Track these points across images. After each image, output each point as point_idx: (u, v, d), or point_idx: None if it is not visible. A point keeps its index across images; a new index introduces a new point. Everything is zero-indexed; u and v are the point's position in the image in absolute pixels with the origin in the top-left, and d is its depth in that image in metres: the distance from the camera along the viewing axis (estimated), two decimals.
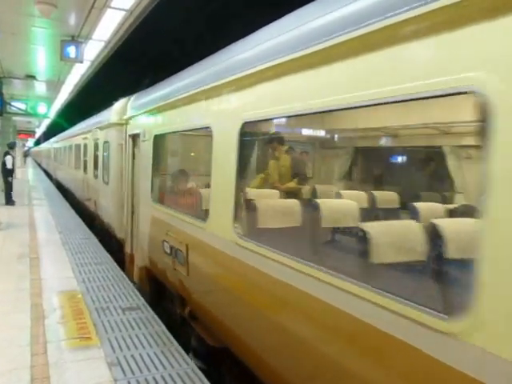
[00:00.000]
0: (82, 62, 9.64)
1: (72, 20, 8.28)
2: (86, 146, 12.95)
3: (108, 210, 9.25)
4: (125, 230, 7.76)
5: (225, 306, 3.88)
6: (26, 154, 52.50)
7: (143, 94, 7.00)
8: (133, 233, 7.35)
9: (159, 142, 5.94)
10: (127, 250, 7.57)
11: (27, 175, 30.32)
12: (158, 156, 6.05)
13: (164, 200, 5.90)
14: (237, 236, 3.45)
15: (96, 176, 10.84)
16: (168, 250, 5.09)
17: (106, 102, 11.66)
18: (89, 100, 21.19)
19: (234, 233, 3.47)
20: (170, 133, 5.72)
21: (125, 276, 6.87)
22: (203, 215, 4.28)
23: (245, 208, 3.84)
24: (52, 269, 7.01)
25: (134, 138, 7.08)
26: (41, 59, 11.81)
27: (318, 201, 4.18)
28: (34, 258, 7.61)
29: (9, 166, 14.16)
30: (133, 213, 7.33)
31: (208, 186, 4.21)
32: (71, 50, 9.06)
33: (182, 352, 4.34)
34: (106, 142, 9.48)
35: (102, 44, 9.67)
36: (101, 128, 10.18)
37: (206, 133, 5.79)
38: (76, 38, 9.16)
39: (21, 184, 21.20)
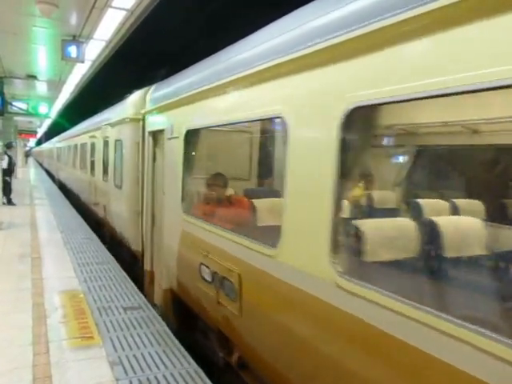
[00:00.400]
0: (83, 61, 9.64)
1: (73, 20, 8.28)
2: (93, 145, 11.71)
3: (121, 218, 8.06)
4: (143, 243, 6.81)
5: (305, 367, 2.78)
6: (27, 154, 52.56)
7: (168, 82, 5.86)
8: (153, 247, 6.33)
9: (194, 138, 4.87)
10: (146, 266, 6.54)
11: (29, 175, 30.35)
12: (191, 156, 4.94)
13: (202, 212, 4.70)
14: (336, 274, 2.41)
15: (106, 179, 9.62)
16: (208, 277, 4.07)
17: (106, 102, 11.68)
18: (90, 100, 21.19)
19: (332, 268, 2.43)
20: (211, 127, 4.49)
21: (126, 276, 6.87)
22: (270, 237, 3.16)
23: (347, 230, 2.75)
24: (53, 268, 7.01)
25: (156, 135, 6.10)
26: (42, 59, 11.81)
27: (436, 219, 3.19)
28: (35, 257, 7.62)
29: (4, 165, 14.16)
30: (153, 223, 6.32)
31: (274, 194, 3.63)
32: (72, 50, 9.06)
33: (184, 351, 4.34)
34: (118, 141, 8.32)
35: (103, 44, 9.67)
36: (112, 125, 8.99)
37: (267, 125, 4.77)
38: (77, 38, 9.16)
39: (22, 184, 21.23)
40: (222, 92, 3.94)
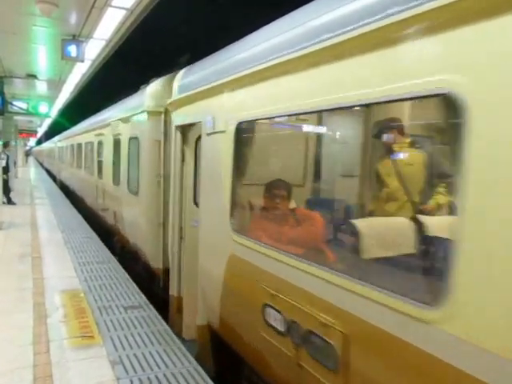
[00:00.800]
0: (83, 61, 9.62)
1: (73, 19, 8.27)
2: (100, 143, 10.55)
3: (136, 228, 6.94)
4: (164, 260, 5.95)
5: None
6: (27, 154, 52.60)
7: (207, 62, 4.59)
8: (182, 268, 5.30)
9: (250, 133, 3.89)
10: (172, 291, 5.40)
11: (29, 174, 30.35)
12: (246, 157, 3.87)
13: (267, 234, 3.50)
14: None
15: (117, 182, 8.44)
16: (279, 325, 2.95)
17: (107, 101, 11.68)
18: (90, 99, 21.19)
19: None
20: (280, 116, 3.34)
21: (127, 276, 6.86)
22: (400, 282, 2.30)
23: None
24: (54, 268, 7.01)
25: (186, 130, 5.08)
26: (42, 58, 11.80)
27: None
28: (35, 257, 7.62)
29: (3, 164, 14.18)
30: (181, 238, 5.26)
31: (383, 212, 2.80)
32: (72, 49, 9.04)
33: (185, 351, 4.34)
34: (133, 139, 7.21)
35: (103, 43, 9.65)
36: (124, 120, 7.84)
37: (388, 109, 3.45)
38: (77, 37, 9.14)
39: (22, 183, 21.24)
40: (305, 66, 2.75)
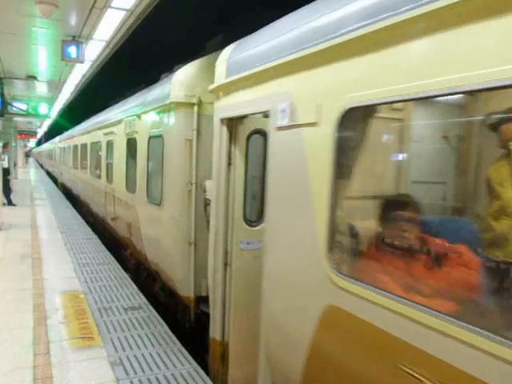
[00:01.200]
0: (83, 62, 9.62)
1: (73, 20, 8.27)
2: (110, 144, 9.34)
3: (159, 246, 5.73)
4: (199, 288, 5.00)
5: None
6: (27, 155, 52.64)
7: (273, 28, 3.36)
8: (227, 303, 4.07)
9: (366, 125, 2.64)
10: (214, 334, 4.13)
11: (29, 175, 30.36)
12: (357, 160, 2.75)
13: (399, 279, 2.38)
14: None
15: (132, 189, 7.19)
16: None
17: (107, 102, 11.69)
18: (90, 100, 21.21)
19: None
20: (436, 96, 1.94)
21: (127, 276, 6.86)
22: None
23: None
24: (54, 269, 7.01)
25: (234, 124, 3.97)
26: (42, 59, 11.80)
27: None
28: (36, 258, 7.62)
29: (5, 165, 14.25)
30: (226, 264, 4.07)
31: None
32: (72, 50, 9.05)
33: (185, 352, 4.34)
34: (154, 138, 6.01)
35: (103, 44, 9.65)
36: (142, 116, 6.67)
37: None
38: (77, 38, 9.15)
39: (23, 184, 21.24)
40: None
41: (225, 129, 3.98)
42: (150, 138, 6.21)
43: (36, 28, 8.86)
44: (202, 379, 3.81)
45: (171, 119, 5.35)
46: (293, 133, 2.85)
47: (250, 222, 4.12)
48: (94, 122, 12.62)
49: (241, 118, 3.91)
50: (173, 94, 5.20)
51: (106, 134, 9.90)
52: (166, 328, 4.89)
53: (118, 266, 7.46)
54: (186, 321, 5.18)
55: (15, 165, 18.44)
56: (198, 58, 5.24)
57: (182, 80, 5.12)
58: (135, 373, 3.85)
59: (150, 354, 4.23)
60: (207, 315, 4.37)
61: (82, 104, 22.22)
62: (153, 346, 4.42)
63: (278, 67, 2.99)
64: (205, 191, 4.90)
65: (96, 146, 11.40)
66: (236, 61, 3.77)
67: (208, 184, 4.73)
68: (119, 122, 8.40)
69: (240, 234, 4.08)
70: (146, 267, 6.66)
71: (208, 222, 4.53)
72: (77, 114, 23.37)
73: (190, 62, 5.22)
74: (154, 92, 6.24)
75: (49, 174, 34.83)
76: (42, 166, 49.30)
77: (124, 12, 7.47)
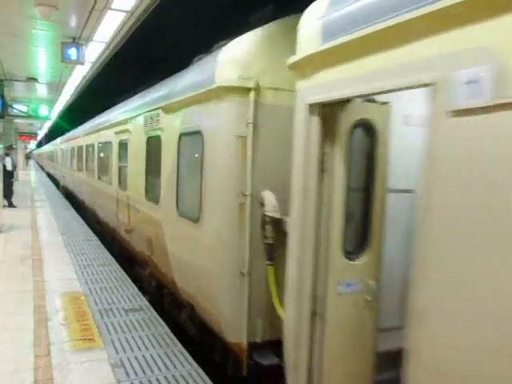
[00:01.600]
0: (83, 63, 9.64)
1: (73, 22, 8.29)
2: (123, 144, 8.08)
3: (195, 273, 4.54)
4: (253, 333, 3.87)
5: None
6: (28, 156, 52.68)
7: None
8: (315, 373, 2.98)
9: None
10: None
11: (29, 177, 30.37)
12: None
13: None
14: None
15: (155, 199, 5.85)
16: None
17: (107, 103, 11.68)
18: (91, 102, 21.21)
19: None
20: None
21: (127, 278, 6.85)
22: None
23: None
24: (55, 270, 7.00)
25: (331, 113, 2.93)
26: (42, 61, 11.82)
27: None
28: (36, 259, 7.62)
29: (9, 167, 14.23)
30: (315, 314, 3.00)
31: None
32: (72, 52, 9.06)
33: (185, 352, 4.33)
34: (187, 135, 4.86)
35: (103, 45, 9.67)
36: (170, 108, 5.39)
37: None
38: (77, 40, 9.16)
39: (23, 186, 21.25)
40: None
41: (316, 119, 2.90)
42: (182, 135, 4.99)
43: (36, 30, 8.89)
44: (202, 380, 3.80)
45: (215, 110, 4.10)
46: (499, 118, 1.69)
47: (349, 254, 3.07)
48: (101, 120, 11.28)
49: (342, 103, 2.85)
50: (219, 76, 3.95)
51: (117, 133, 8.59)
52: (167, 329, 4.88)
53: (119, 267, 7.45)
54: (230, 369, 4.10)
55: (15, 167, 18.41)
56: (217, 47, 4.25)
57: (233, 57, 3.89)
58: (136, 374, 3.85)
59: (151, 356, 4.22)
60: (262, 367, 3.54)
61: (82, 106, 22.23)
62: (153, 347, 4.42)
63: (458, 6, 1.80)
64: (262, 205, 3.78)
65: (105, 146, 10.13)
66: (342, 16, 2.62)
67: (267, 196, 3.76)
68: (134, 117, 7.22)
69: (337, 272, 2.98)
70: (171, 291, 5.52)
71: (268, 245, 3.74)
72: (77, 116, 23.38)
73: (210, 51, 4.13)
74: (188, 77, 5.03)
75: (50, 176, 34.83)
76: (42, 168, 49.29)
77: (124, 13, 7.48)
